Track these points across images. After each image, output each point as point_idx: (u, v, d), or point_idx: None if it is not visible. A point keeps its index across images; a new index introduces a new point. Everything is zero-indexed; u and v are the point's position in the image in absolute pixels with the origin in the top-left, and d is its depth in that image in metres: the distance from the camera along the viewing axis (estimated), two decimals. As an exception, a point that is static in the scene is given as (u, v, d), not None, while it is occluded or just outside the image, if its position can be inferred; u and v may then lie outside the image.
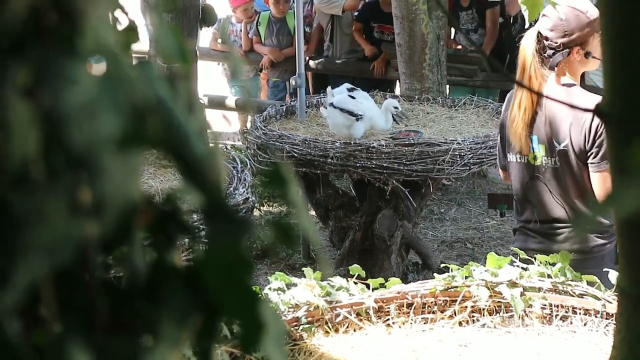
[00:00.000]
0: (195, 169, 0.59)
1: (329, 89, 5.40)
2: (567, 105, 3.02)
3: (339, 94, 5.19)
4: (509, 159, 3.33)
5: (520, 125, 3.19)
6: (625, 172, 1.12)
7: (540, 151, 3.20)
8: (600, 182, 3.04)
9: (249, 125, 7.58)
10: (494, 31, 7.78)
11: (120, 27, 0.67)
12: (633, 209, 0.59)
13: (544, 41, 3.14)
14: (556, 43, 3.12)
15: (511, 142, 3.26)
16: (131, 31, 0.70)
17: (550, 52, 3.14)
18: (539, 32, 3.15)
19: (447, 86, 7.66)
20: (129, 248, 0.61)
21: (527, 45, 3.15)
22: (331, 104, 5.07)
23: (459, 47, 8.16)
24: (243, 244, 0.58)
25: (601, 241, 3.16)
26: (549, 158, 3.18)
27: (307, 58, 8.30)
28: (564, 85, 3.18)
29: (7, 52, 0.54)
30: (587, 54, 3.12)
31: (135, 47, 0.75)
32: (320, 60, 8.57)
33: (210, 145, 0.61)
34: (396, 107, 5.10)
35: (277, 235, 0.61)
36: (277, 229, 0.61)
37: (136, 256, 0.61)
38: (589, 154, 3.05)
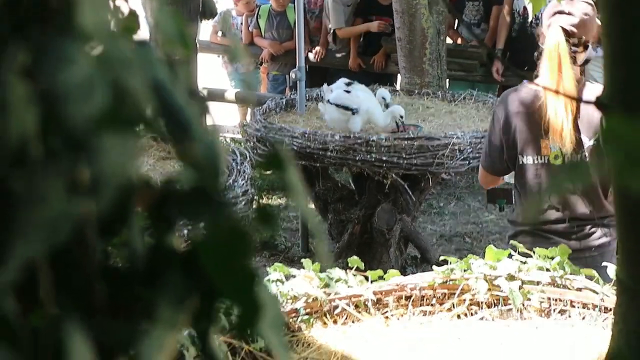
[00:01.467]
0: (193, 150, 0.59)
1: (325, 85, 5.39)
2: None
3: (336, 89, 5.18)
4: (522, 162, 3.20)
5: (546, 124, 3.11)
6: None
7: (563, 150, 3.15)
8: None
9: (248, 118, 7.59)
10: (497, 28, 7.73)
11: (121, 14, 0.67)
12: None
13: (570, 38, 3.09)
14: (582, 39, 3.09)
15: (527, 144, 3.16)
16: (132, 17, 0.69)
17: (574, 48, 3.11)
18: (564, 29, 3.10)
19: (447, 80, 7.65)
20: (127, 230, 0.61)
21: (561, 43, 3.07)
22: (327, 101, 5.07)
23: (459, 40, 8.15)
24: (240, 225, 0.58)
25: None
26: (574, 155, 3.14)
27: (307, 50, 8.30)
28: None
29: (7, 32, 0.54)
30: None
31: (136, 36, 0.75)
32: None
33: (210, 129, 0.61)
34: (402, 117, 5.06)
35: (257, 219, 0.61)
36: (258, 213, 0.62)
37: (134, 238, 0.61)
38: None
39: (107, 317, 0.61)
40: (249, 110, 8.45)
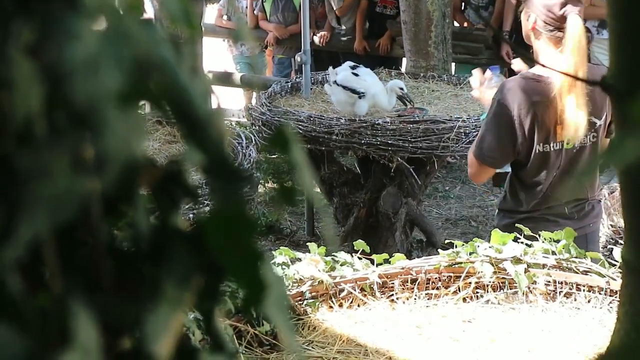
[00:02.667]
0: (197, 129, 0.59)
1: (330, 68, 5.38)
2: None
3: (342, 72, 5.17)
4: (538, 150, 3.14)
5: (563, 111, 3.09)
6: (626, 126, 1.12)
7: None
8: None
9: (253, 101, 7.58)
10: (503, 11, 7.69)
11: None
12: (633, 159, 0.59)
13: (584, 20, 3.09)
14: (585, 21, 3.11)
15: (546, 132, 3.11)
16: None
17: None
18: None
19: (453, 64, 7.63)
20: (132, 208, 0.61)
21: (582, 30, 3.01)
22: (335, 82, 5.06)
23: (465, 23, 8.12)
24: (246, 203, 0.58)
25: None
26: (586, 138, 3.13)
27: (312, 34, 8.29)
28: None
29: (12, 8, 0.54)
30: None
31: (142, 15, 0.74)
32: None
33: (214, 107, 0.61)
34: (402, 88, 5.07)
35: (279, 193, 0.61)
36: (281, 190, 0.61)
37: (139, 217, 0.61)
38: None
39: (113, 296, 0.61)
40: (254, 93, 8.45)
